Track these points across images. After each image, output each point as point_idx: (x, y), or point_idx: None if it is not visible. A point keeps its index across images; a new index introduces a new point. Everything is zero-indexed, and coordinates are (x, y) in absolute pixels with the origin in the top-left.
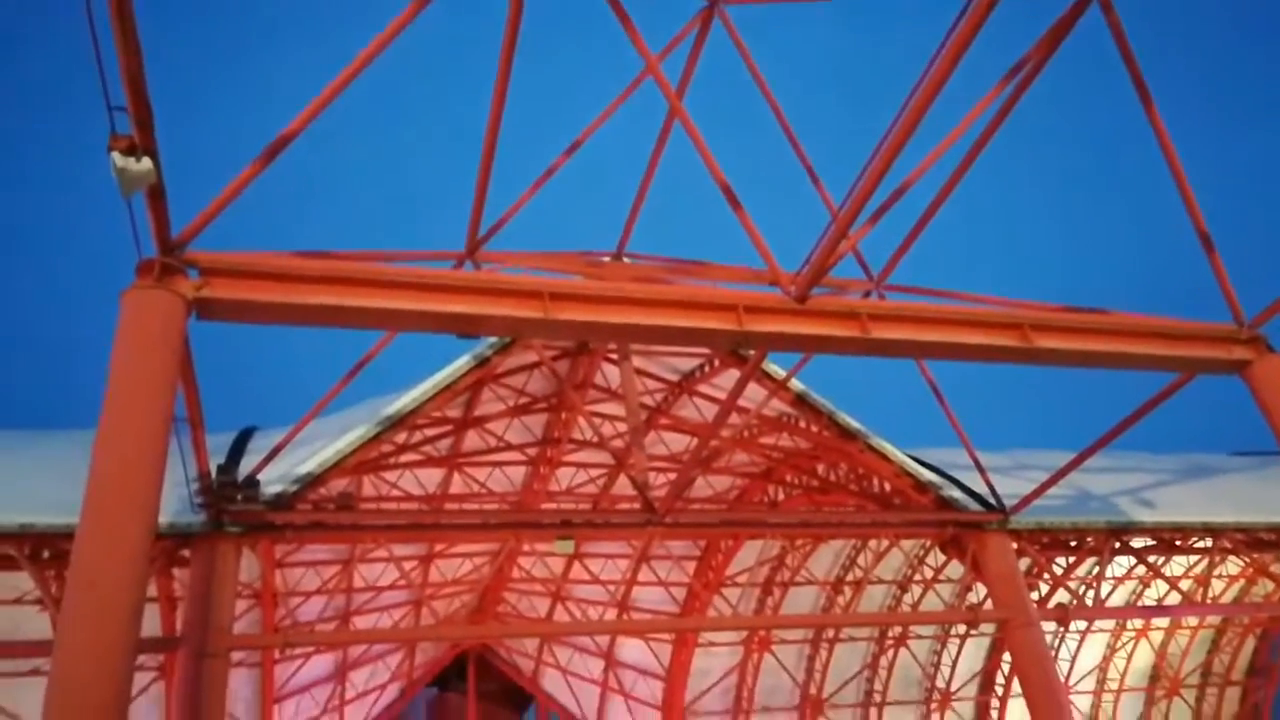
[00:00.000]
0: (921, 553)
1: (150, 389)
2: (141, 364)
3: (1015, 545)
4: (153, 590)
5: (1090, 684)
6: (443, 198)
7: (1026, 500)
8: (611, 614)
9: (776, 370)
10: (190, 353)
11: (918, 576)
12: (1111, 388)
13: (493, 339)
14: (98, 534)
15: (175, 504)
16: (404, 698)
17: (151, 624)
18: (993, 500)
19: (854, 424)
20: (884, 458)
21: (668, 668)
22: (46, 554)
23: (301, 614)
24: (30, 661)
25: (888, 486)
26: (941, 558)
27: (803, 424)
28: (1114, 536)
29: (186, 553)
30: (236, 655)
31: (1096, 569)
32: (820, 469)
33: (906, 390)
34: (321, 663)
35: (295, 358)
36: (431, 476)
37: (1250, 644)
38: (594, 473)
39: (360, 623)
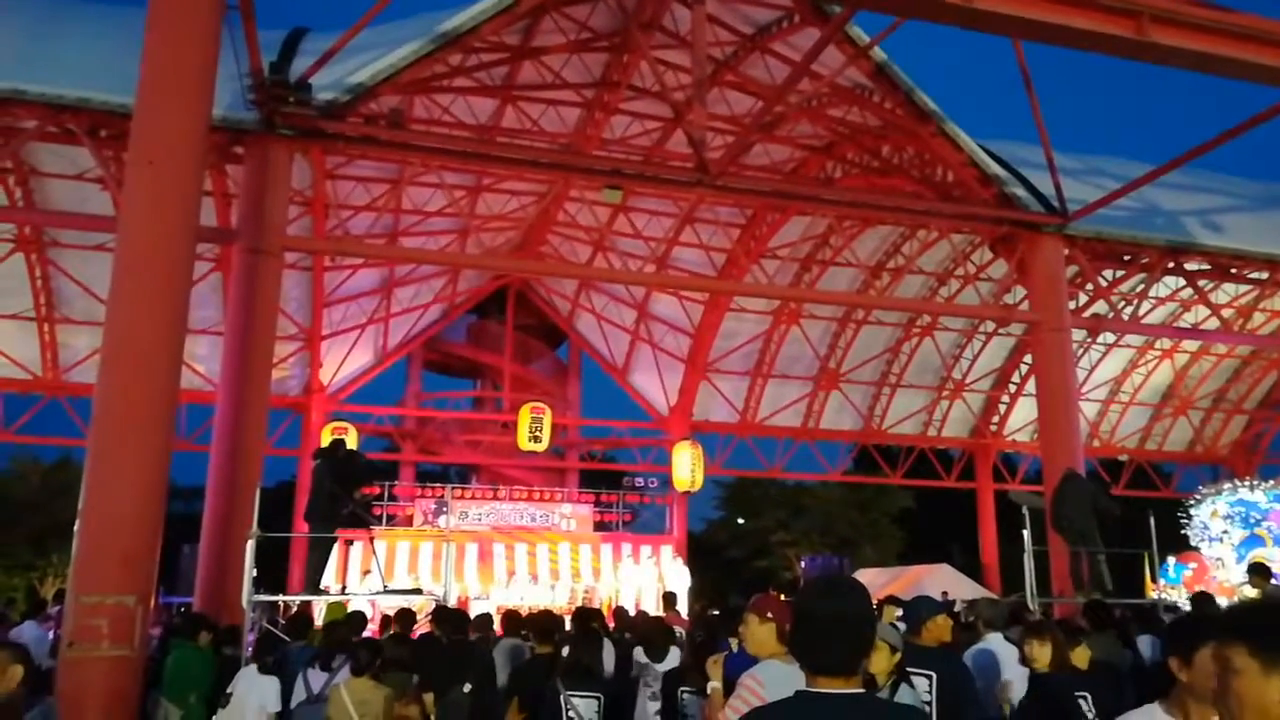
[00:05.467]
0: (969, 248)
1: None
2: None
3: (1067, 252)
4: (208, 185)
5: (1102, 394)
6: None
7: (1090, 207)
8: (650, 269)
9: (860, 34)
10: None
11: (959, 271)
12: (1210, 102)
13: None
14: (154, 115)
15: (228, 98)
16: (445, 319)
17: (208, 219)
18: (1055, 203)
19: (931, 104)
20: (955, 145)
21: (697, 325)
22: (104, 133)
23: (350, 227)
24: (97, 236)
25: (950, 176)
26: (988, 255)
27: (876, 99)
28: (1170, 256)
29: (240, 150)
30: (289, 257)
31: (1142, 286)
32: (885, 150)
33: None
34: (368, 276)
35: None
36: (484, 107)
37: (1271, 378)
38: (650, 125)
39: (407, 244)
